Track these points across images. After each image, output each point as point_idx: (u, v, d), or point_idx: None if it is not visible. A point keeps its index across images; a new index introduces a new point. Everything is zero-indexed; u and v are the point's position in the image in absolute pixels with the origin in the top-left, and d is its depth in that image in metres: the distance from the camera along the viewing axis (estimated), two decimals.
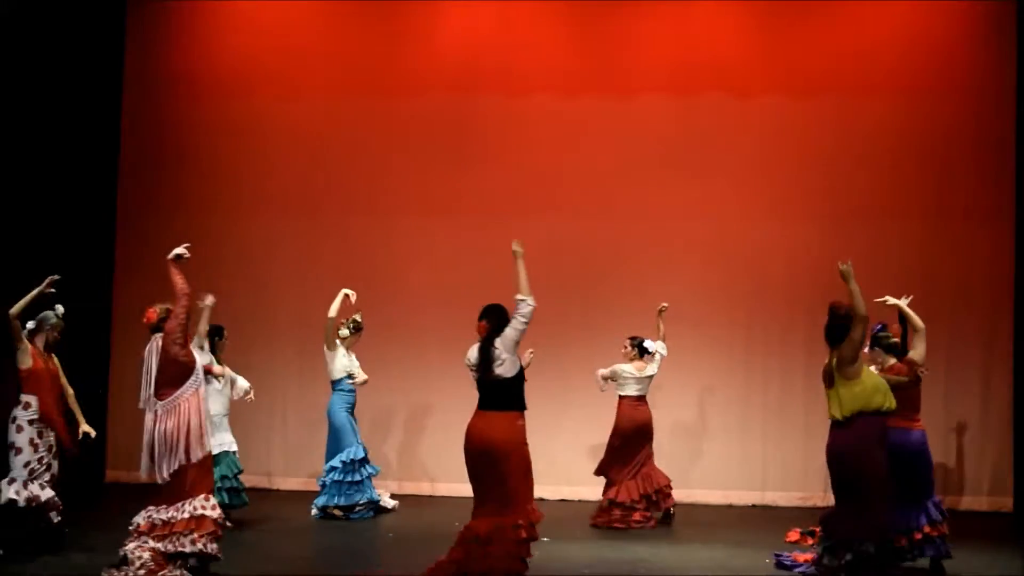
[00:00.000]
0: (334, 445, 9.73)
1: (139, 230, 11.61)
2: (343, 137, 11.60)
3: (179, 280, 6.90)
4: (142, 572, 6.70)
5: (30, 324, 7.93)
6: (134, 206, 11.70)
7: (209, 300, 8.14)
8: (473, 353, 6.90)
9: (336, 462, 9.65)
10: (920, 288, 10.98)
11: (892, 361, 7.87)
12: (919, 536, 7.62)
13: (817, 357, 10.48)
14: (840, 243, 10.97)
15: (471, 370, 6.92)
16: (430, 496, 11.00)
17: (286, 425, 11.49)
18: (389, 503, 10.02)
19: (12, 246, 10.21)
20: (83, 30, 11.13)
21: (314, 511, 9.68)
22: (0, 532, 7.62)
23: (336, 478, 9.61)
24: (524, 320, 6.81)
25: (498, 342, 6.82)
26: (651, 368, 9.82)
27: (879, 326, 8.10)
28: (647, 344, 9.82)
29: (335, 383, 9.81)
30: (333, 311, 9.69)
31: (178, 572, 6.80)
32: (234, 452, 9.03)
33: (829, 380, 7.08)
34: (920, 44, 11.17)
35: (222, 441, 8.84)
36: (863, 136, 11.16)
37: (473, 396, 6.96)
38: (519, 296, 6.85)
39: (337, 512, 9.61)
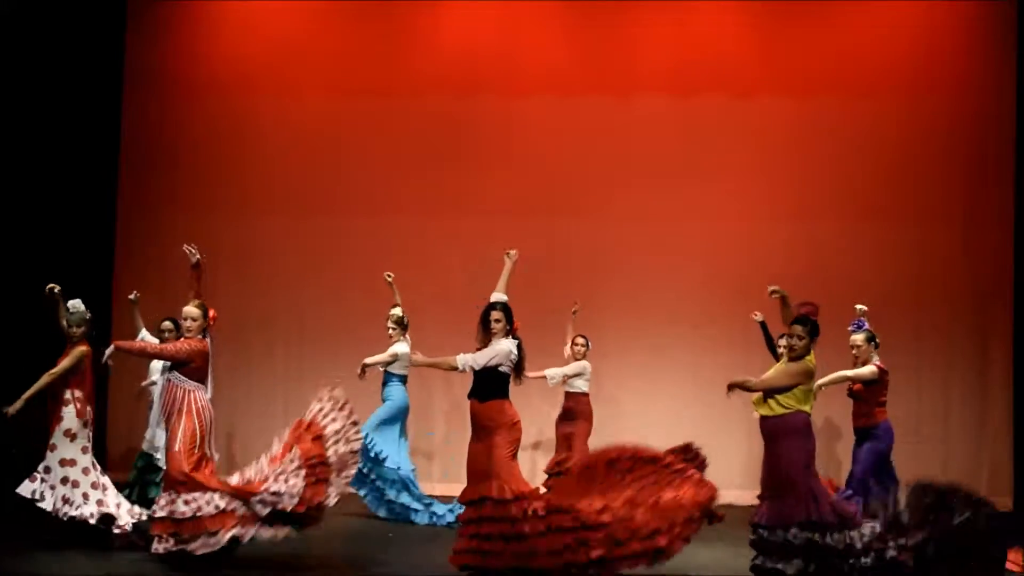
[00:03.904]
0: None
1: (139, 230, 11.62)
2: (343, 137, 11.60)
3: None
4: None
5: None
6: (134, 206, 11.70)
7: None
8: (512, 347, 6.97)
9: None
10: (919, 288, 11.04)
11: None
12: None
13: (818, 358, 10.56)
14: (840, 243, 11.00)
15: (508, 364, 6.97)
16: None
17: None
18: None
19: (12, 246, 10.21)
20: (83, 30, 11.12)
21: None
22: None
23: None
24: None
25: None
26: None
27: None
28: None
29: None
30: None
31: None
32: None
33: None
34: (920, 44, 11.18)
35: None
36: (863, 136, 11.16)
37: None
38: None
39: None
